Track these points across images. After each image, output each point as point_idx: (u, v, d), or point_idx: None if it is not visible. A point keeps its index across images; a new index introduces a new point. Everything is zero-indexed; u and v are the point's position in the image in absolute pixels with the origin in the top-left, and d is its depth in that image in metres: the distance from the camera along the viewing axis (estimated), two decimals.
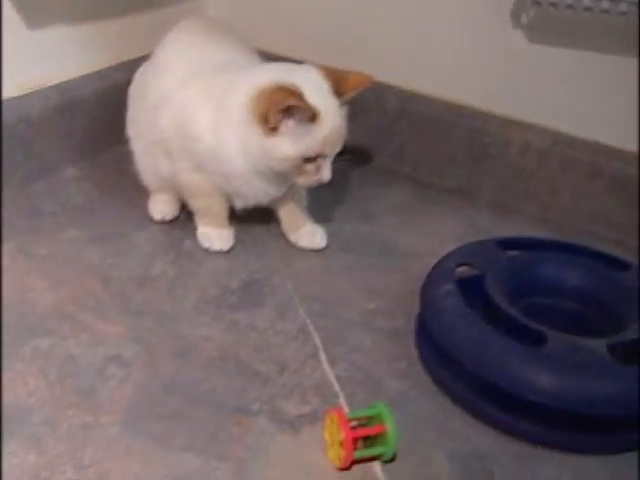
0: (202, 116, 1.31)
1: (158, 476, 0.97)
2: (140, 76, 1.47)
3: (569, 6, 1.40)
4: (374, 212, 1.57)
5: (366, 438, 1.02)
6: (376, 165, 1.73)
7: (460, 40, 1.63)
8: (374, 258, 1.44)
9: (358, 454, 1.00)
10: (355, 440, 1.00)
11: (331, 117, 1.27)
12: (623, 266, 1.27)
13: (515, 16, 1.54)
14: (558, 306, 1.25)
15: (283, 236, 1.45)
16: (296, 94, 1.23)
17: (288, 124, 1.25)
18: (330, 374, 1.16)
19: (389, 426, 1.00)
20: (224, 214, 1.40)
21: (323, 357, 1.19)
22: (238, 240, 1.42)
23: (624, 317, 1.18)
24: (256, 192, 1.35)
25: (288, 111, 1.23)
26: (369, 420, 1.03)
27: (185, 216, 1.46)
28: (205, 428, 1.05)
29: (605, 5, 1.36)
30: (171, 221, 1.46)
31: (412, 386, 1.16)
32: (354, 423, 1.02)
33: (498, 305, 1.15)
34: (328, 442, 1.03)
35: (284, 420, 1.07)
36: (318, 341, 1.22)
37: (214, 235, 1.40)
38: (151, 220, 1.45)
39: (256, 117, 1.26)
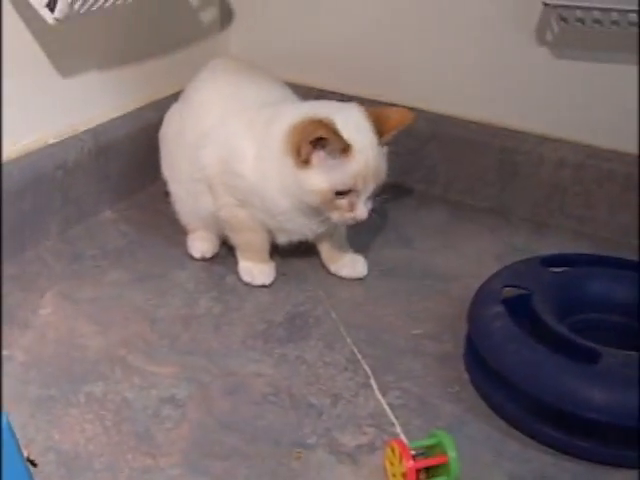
0: (246, 152, 1.32)
1: None
2: (172, 117, 1.48)
3: (596, 21, 1.40)
4: (411, 236, 1.58)
5: (428, 468, 1.02)
6: (408, 189, 1.73)
7: (487, 60, 1.63)
8: (415, 282, 1.44)
9: None
10: (418, 471, 1.00)
11: (365, 152, 1.27)
12: None
13: (540, 33, 1.54)
14: (607, 321, 1.25)
15: (323, 266, 1.45)
16: (327, 126, 1.24)
17: (320, 156, 1.26)
18: (383, 403, 1.16)
19: (451, 455, 1.00)
20: (266, 248, 1.40)
21: (375, 386, 1.19)
22: (279, 273, 1.43)
23: None
24: (300, 228, 1.35)
25: (319, 143, 1.24)
26: (430, 449, 1.03)
27: (225, 251, 1.47)
28: (265, 465, 1.05)
29: (632, 18, 1.36)
30: (211, 258, 1.46)
31: (466, 410, 1.16)
32: (414, 452, 1.02)
33: (548, 324, 1.15)
34: (389, 473, 1.03)
35: (342, 452, 1.08)
36: (368, 370, 1.22)
37: (256, 270, 1.40)
38: (191, 258, 1.46)
39: (289, 150, 1.27)
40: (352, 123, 1.28)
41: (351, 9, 1.74)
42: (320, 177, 1.26)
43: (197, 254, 1.46)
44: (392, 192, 1.64)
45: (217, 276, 1.43)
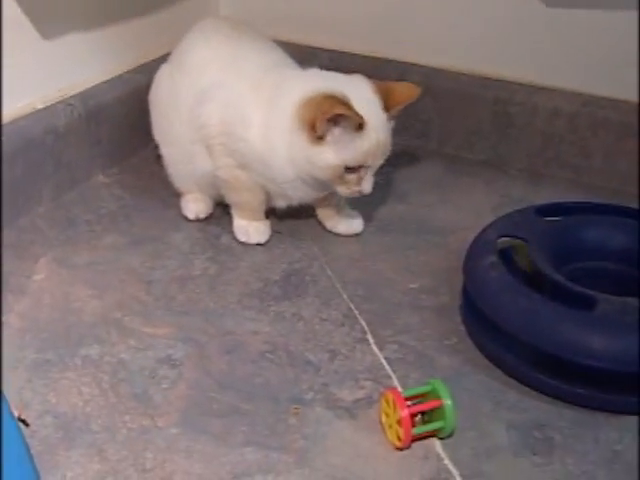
0: (252, 117, 1.30)
1: (221, 473, 0.97)
2: (162, 79, 1.47)
3: None
4: (407, 191, 1.57)
5: (423, 414, 1.02)
6: (403, 144, 1.72)
7: (476, 10, 1.62)
8: (412, 237, 1.43)
9: (417, 431, 1.00)
10: (413, 416, 1.00)
11: (377, 129, 1.26)
12: None
13: None
14: (603, 269, 1.24)
15: (319, 223, 1.45)
16: (344, 103, 1.22)
17: (334, 133, 1.24)
18: (380, 357, 1.16)
19: (446, 400, 1.00)
20: (262, 208, 1.39)
21: (372, 340, 1.19)
22: (274, 231, 1.42)
23: None
24: (301, 194, 1.35)
25: (335, 120, 1.23)
26: (425, 397, 1.03)
27: (220, 212, 1.46)
28: (263, 421, 1.05)
29: None
30: (206, 218, 1.46)
31: (464, 362, 1.15)
32: (410, 402, 1.02)
33: (543, 272, 1.14)
34: (385, 424, 1.03)
35: (340, 406, 1.07)
36: (365, 325, 1.22)
37: (251, 228, 1.40)
38: (186, 219, 1.45)
39: (304, 125, 1.25)
40: (363, 98, 1.27)
41: None
42: (333, 153, 1.26)
43: (191, 215, 1.45)
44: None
45: (212, 236, 1.42)
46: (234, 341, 1.18)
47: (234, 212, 1.41)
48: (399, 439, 1.00)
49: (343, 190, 1.30)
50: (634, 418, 1.07)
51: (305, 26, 1.80)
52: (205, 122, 1.33)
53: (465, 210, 1.50)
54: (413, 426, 1.00)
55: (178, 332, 1.20)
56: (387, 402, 1.02)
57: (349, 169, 1.27)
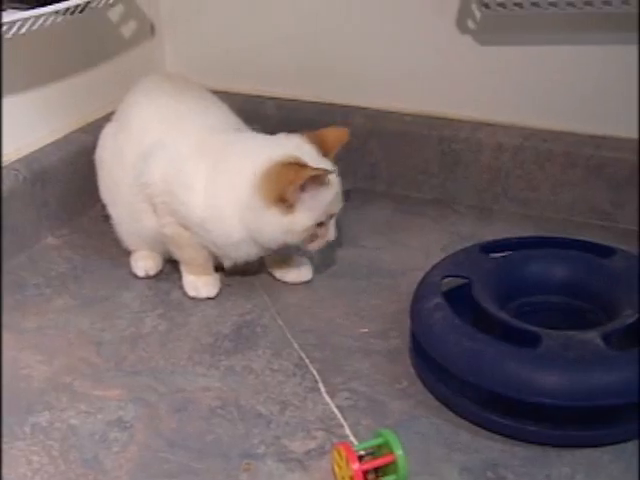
0: (195, 183, 1.30)
1: None
2: (107, 138, 1.47)
3: (517, 4, 1.41)
4: (357, 234, 1.57)
5: (377, 468, 1.01)
6: (352, 188, 1.73)
7: (414, 52, 1.64)
8: (363, 281, 1.43)
9: None
10: (365, 473, 0.99)
11: (332, 178, 1.29)
12: (608, 252, 1.27)
13: (461, 22, 1.55)
14: (549, 303, 1.26)
15: (269, 273, 1.45)
16: (304, 165, 1.24)
17: (303, 196, 1.26)
18: (332, 405, 1.16)
19: (398, 453, 0.99)
20: (209, 263, 1.39)
21: (323, 389, 1.19)
22: (224, 284, 1.42)
23: (616, 304, 1.18)
24: (244, 255, 1.35)
25: (303, 185, 1.24)
26: (378, 449, 1.02)
27: (169, 268, 1.46)
28: (214, 479, 1.04)
29: None
30: (155, 275, 1.45)
31: (415, 405, 1.15)
32: (362, 453, 1.02)
33: (487, 310, 1.14)
34: (338, 476, 1.02)
35: (291, 459, 1.07)
36: (316, 374, 1.22)
37: (200, 283, 1.39)
38: (135, 277, 1.45)
39: (271, 199, 1.26)
40: (307, 153, 1.29)
41: (277, 13, 1.74)
42: (306, 216, 1.27)
43: (141, 272, 1.45)
44: None
45: (162, 293, 1.42)
46: (184, 399, 1.18)
47: (182, 268, 1.41)
48: None
49: (313, 246, 1.32)
50: (585, 451, 1.07)
51: (252, 76, 1.82)
52: (147, 181, 1.34)
53: (415, 250, 1.51)
54: None
55: (128, 393, 1.19)
56: (340, 455, 1.01)
57: (320, 224, 1.29)
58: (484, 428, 1.10)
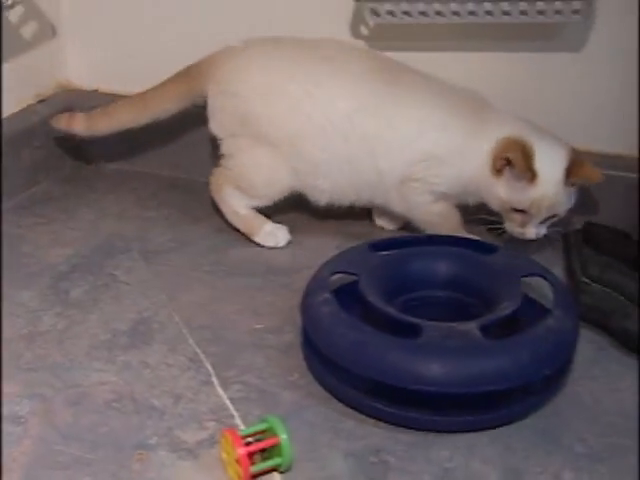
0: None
1: None
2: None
3: (405, 12, 1.47)
4: None
5: (263, 452, 1.05)
6: None
7: None
8: (259, 279, 1.47)
9: (255, 468, 1.03)
10: (250, 455, 1.03)
11: (547, 186, 1.40)
12: (490, 250, 1.34)
13: (354, 28, 1.60)
14: (434, 297, 1.31)
15: (166, 272, 1.48)
16: (522, 152, 1.38)
17: (510, 172, 1.41)
18: (224, 397, 1.20)
19: (282, 437, 1.04)
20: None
21: (216, 382, 1.23)
22: (122, 282, 1.44)
23: (496, 297, 1.24)
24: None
25: (509, 163, 1.39)
26: (264, 434, 1.07)
27: (68, 267, 1.48)
28: (107, 470, 1.07)
29: (437, 7, 1.43)
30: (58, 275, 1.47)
31: (305, 396, 1.20)
32: (250, 439, 1.06)
33: (372, 304, 1.19)
34: (226, 461, 1.06)
35: (183, 448, 1.10)
36: (210, 367, 1.25)
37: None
38: (34, 276, 1.46)
39: (490, 156, 1.42)
40: (549, 157, 1.41)
41: (182, 15, 1.77)
42: (503, 189, 1.42)
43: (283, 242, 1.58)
44: None
45: (62, 292, 1.43)
46: (80, 393, 1.20)
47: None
48: (239, 477, 1.03)
49: (508, 226, 1.46)
50: (464, 435, 1.13)
51: (156, 79, 1.83)
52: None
53: (310, 250, 1.55)
54: (253, 463, 1.04)
55: (24, 389, 1.20)
56: (226, 440, 1.05)
57: (515, 209, 1.43)
58: (369, 416, 1.15)
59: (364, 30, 1.60)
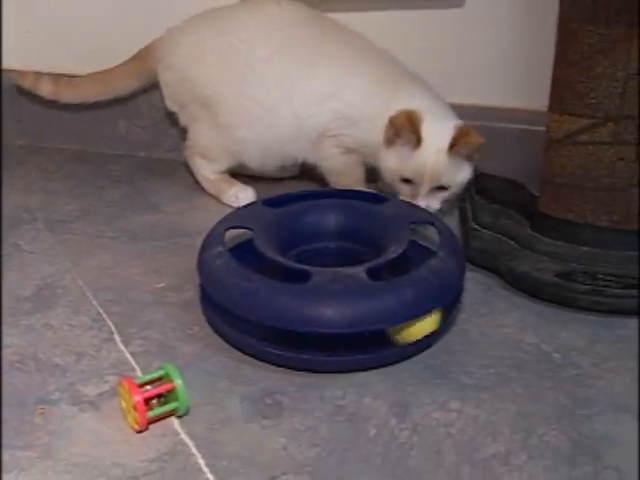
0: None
1: None
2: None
3: None
4: (159, 201, 1.65)
5: (160, 398, 1.09)
6: (156, 159, 1.81)
7: None
8: (162, 242, 1.51)
9: (152, 413, 1.07)
10: (147, 401, 1.07)
11: (428, 154, 1.44)
12: (380, 200, 1.39)
13: None
14: (328, 248, 1.37)
15: (71, 240, 1.51)
16: (409, 117, 1.42)
17: (399, 141, 1.45)
18: (126, 352, 1.23)
19: (177, 382, 1.08)
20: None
21: (118, 339, 1.26)
22: (26, 251, 1.47)
23: (386, 244, 1.29)
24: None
25: (398, 130, 1.44)
26: (160, 381, 1.10)
27: None
28: (8, 425, 1.09)
29: None
30: None
31: (204, 347, 1.24)
32: (148, 387, 1.10)
33: (264, 255, 1.24)
34: (125, 410, 1.10)
35: (84, 401, 1.14)
36: (112, 326, 1.28)
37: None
38: None
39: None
40: (436, 126, 1.45)
41: None
42: (391, 158, 1.47)
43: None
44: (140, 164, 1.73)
45: None
46: None
47: None
48: (137, 422, 1.07)
49: (401, 195, 1.49)
50: (356, 375, 1.18)
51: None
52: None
53: (214, 213, 1.56)
54: (150, 409, 1.08)
55: None
56: (124, 389, 1.09)
57: (405, 180, 1.47)
58: (265, 362, 1.20)
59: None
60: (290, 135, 1.54)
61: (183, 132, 1.71)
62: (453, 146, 1.43)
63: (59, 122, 1.84)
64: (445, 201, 1.50)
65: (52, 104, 1.77)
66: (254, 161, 1.60)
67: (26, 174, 1.76)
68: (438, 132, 1.44)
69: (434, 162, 1.44)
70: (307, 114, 1.51)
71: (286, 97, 1.51)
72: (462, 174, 1.49)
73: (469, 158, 1.47)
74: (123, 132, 1.82)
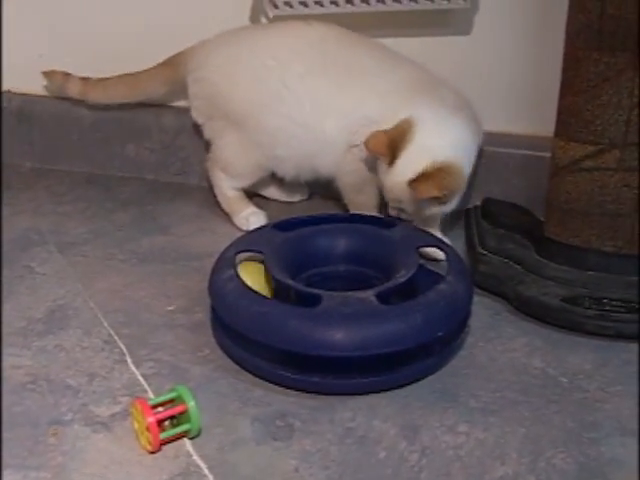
0: None
1: None
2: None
3: (302, 3, 1.54)
4: (167, 224, 1.66)
5: (173, 419, 1.11)
6: (166, 182, 1.82)
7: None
8: (171, 265, 1.52)
9: (165, 435, 1.09)
10: (160, 423, 1.08)
11: (397, 176, 1.42)
12: (389, 224, 1.40)
13: (255, 18, 1.67)
14: (337, 271, 1.38)
15: (82, 262, 1.52)
16: (390, 137, 1.42)
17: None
18: (137, 374, 1.25)
19: (190, 404, 1.09)
20: None
21: (129, 360, 1.27)
22: (38, 273, 1.48)
23: (395, 268, 1.31)
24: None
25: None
26: (173, 403, 1.12)
27: None
28: (22, 445, 1.11)
29: None
30: None
31: (214, 369, 1.26)
32: (160, 409, 1.11)
33: (274, 277, 1.25)
34: (137, 431, 1.11)
35: (97, 422, 1.15)
36: (124, 347, 1.30)
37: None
38: None
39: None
40: (419, 148, 1.42)
41: None
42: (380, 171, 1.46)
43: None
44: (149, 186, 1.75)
45: None
46: None
47: None
48: (150, 444, 1.08)
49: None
50: (365, 397, 1.19)
51: None
52: None
53: (222, 236, 1.59)
54: (162, 430, 1.09)
55: None
56: (137, 411, 1.10)
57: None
58: (276, 384, 1.22)
59: (264, 20, 1.65)
60: (320, 150, 1.54)
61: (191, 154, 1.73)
62: (411, 183, 1.40)
63: (69, 145, 1.85)
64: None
65: (61, 126, 1.79)
66: (287, 175, 1.62)
67: (36, 196, 1.77)
68: (415, 157, 1.41)
69: (397, 189, 1.44)
70: (339, 127, 1.51)
71: (321, 113, 1.52)
72: (427, 210, 1.45)
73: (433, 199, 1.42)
74: (132, 155, 1.83)
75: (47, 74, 1.76)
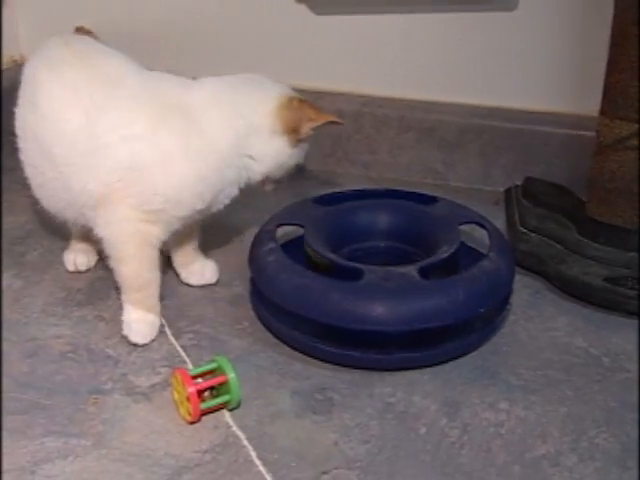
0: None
1: (21, 463, 1.03)
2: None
3: None
4: None
5: (212, 390, 1.11)
6: None
7: (252, 23, 1.75)
8: (211, 237, 1.52)
9: (205, 405, 1.09)
10: (200, 393, 1.08)
11: None
12: (431, 200, 1.39)
13: None
14: (378, 247, 1.37)
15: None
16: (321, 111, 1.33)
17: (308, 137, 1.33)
18: (176, 345, 1.25)
19: (230, 375, 1.09)
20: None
21: (169, 332, 1.27)
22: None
23: (436, 244, 1.30)
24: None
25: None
26: (213, 374, 1.12)
27: (25, 232, 1.52)
28: (62, 413, 1.11)
29: None
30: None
31: (254, 342, 1.25)
32: (200, 379, 1.11)
33: (317, 251, 1.24)
34: (177, 401, 1.11)
35: (137, 392, 1.15)
36: (163, 319, 1.30)
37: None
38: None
39: (287, 129, 1.29)
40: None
41: None
42: (299, 154, 1.35)
43: (71, 267, 1.44)
44: None
45: (17, 255, 1.47)
46: (36, 345, 1.24)
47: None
48: (189, 414, 1.08)
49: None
50: (405, 373, 1.19)
51: None
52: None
53: (263, 211, 1.58)
54: (202, 401, 1.09)
55: None
56: (177, 380, 1.10)
57: None
58: (315, 358, 1.21)
59: None
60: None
61: None
62: None
63: None
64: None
65: None
66: None
67: None
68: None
69: None
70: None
71: None
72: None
73: None
74: None
75: None
